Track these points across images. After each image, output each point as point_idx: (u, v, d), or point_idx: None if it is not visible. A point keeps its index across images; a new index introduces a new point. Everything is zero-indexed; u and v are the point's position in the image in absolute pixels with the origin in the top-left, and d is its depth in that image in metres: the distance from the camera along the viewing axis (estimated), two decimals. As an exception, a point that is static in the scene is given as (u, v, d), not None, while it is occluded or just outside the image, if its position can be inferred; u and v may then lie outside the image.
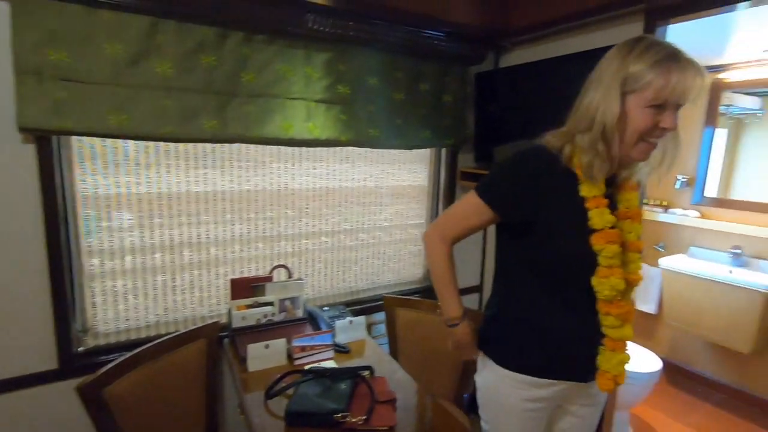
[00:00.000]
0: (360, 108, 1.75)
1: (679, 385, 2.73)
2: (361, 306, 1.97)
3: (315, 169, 1.83)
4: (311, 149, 1.80)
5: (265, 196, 1.74)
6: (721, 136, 2.64)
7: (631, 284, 0.96)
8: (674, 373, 2.80)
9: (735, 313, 2.28)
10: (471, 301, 2.36)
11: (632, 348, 1.58)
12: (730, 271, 2.40)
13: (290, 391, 1.24)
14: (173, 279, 1.59)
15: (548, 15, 1.68)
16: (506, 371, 1.02)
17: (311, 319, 1.69)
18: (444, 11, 1.74)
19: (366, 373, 1.33)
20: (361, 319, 1.64)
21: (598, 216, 0.91)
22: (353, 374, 1.28)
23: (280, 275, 1.77)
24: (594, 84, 0.91)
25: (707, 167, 2.67)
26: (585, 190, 0.92)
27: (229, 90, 1.48)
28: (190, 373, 1.46)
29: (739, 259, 2.47)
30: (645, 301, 2.83)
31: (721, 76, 2.55)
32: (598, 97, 0.88)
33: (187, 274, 1.62)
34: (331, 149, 1.85)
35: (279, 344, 1.42)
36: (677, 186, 2.77)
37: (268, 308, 1.60)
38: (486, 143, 2.08)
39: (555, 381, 1.00)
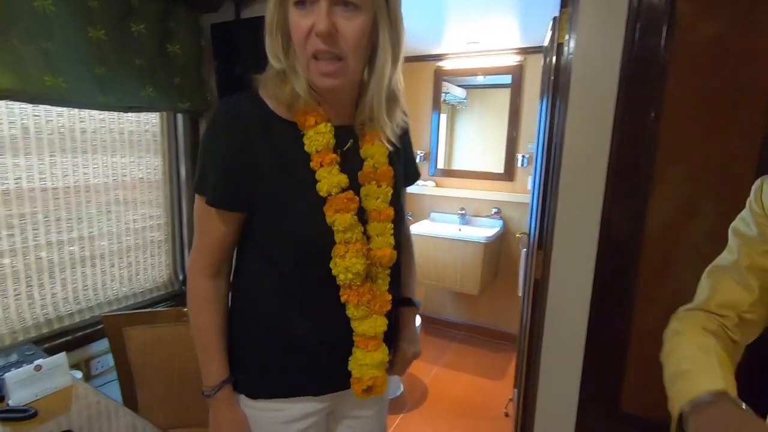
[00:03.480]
0: (23, 42, 1.14)
1: (433, 333, 3.14)
2: (67, 338, 1.37)
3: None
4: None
5: None
6: (443, 119, 3.11)
7: (377, 263, 0.76)
8: (429, 324, 3.21)
9: (466, 264, 2.72)
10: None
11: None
12: (459, 229, 2.86)
13: None
14: None
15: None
16: (255, 402, 0.78)
17: (-40, 381, 1.04)
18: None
19: (60, 443, 0.86)
20: (59, 358, 1.09)
21: (325, 177, 0.71)
22: (30, 456, 0.79)
23: None
24: None
25: (437, 144, 3.11)
26: (308, 144, 0.71)
27: None
28: None
29: (464, 219, 2.97)
30: (402, 266, 3.12)
31: (440, 64, 2.97)
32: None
33: None
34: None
35: None
36: (418, 160, 3.13)
37: None
38: (234, 111, 1.75)
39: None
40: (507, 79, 2.82)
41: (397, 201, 0.80)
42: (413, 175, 0.96)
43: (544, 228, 1.47)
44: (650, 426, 1.22)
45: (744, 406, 0.49)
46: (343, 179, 0.72)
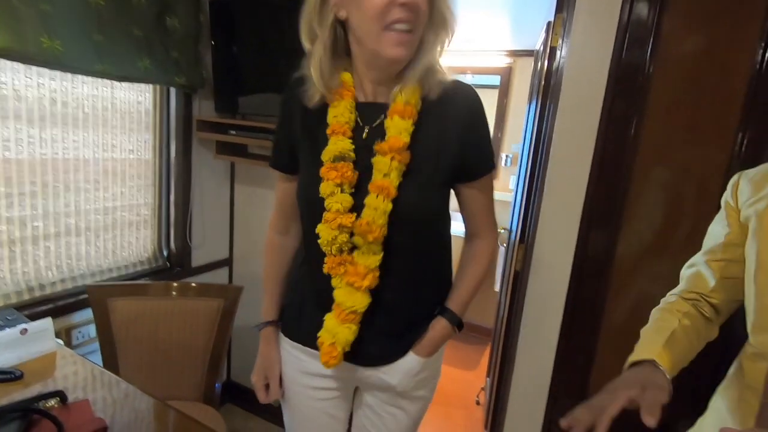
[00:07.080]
0: (22, 2, 1.11)
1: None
2: (50, 305, 1.35)
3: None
4: None
5: None
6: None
7: (360, 233, 0.73)
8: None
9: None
10: (221, 276, 2.03)
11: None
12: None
13: None
14: None
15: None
16: (286, 340, 0.91)
17: (-60, 342, 1.02)
18: None
19: (51, 402, 0.86)
20: (45, 322, 1.08)
21: (330, 145, 0.75)
22: (22, 411, 0.79)
23: None
24: None
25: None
26: (331, 116, 0.76)
27: None
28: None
29: (446, 214, 3.04)
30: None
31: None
32: None
33: None
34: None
35: None
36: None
37: None
38: (228, 90, 1.75)
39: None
40: (495, 80, 2.90)
41: (424, 188, 0.75)
42: (479, 165, 0.82)
43: (527, 223, 1.54)
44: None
45: (659, 369, 0.63)
46: (338, 148, 0.73)
